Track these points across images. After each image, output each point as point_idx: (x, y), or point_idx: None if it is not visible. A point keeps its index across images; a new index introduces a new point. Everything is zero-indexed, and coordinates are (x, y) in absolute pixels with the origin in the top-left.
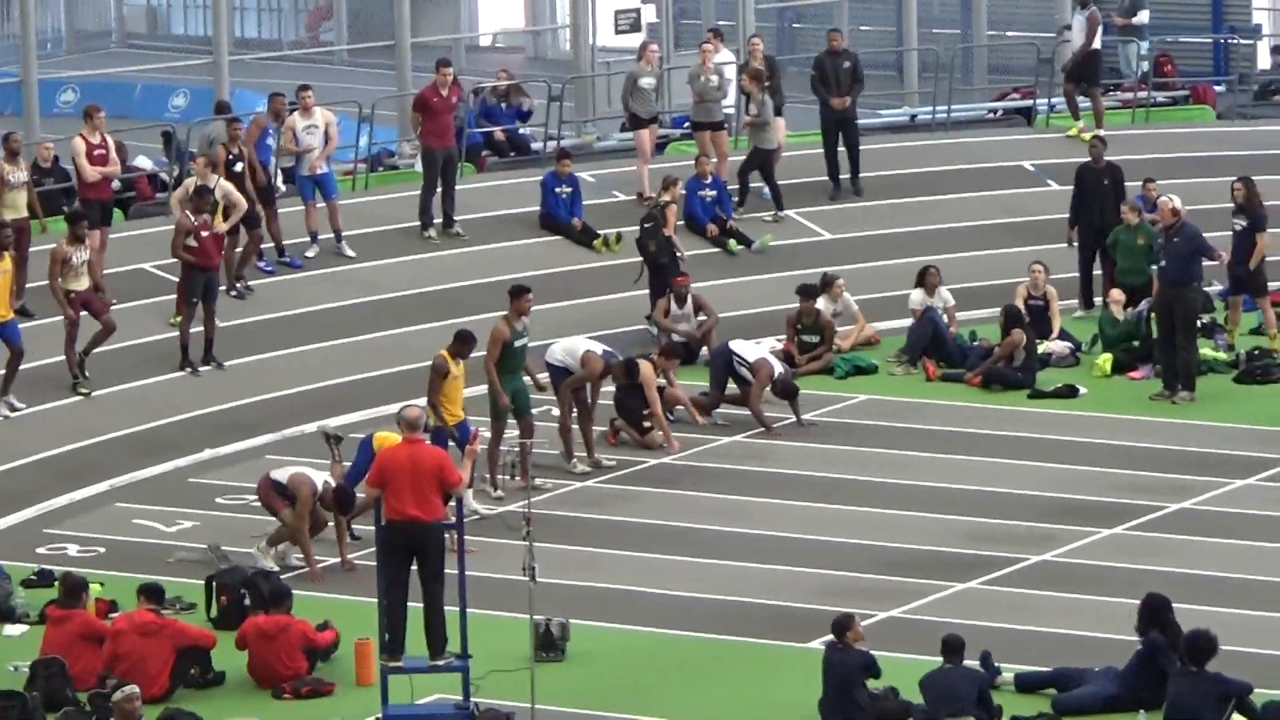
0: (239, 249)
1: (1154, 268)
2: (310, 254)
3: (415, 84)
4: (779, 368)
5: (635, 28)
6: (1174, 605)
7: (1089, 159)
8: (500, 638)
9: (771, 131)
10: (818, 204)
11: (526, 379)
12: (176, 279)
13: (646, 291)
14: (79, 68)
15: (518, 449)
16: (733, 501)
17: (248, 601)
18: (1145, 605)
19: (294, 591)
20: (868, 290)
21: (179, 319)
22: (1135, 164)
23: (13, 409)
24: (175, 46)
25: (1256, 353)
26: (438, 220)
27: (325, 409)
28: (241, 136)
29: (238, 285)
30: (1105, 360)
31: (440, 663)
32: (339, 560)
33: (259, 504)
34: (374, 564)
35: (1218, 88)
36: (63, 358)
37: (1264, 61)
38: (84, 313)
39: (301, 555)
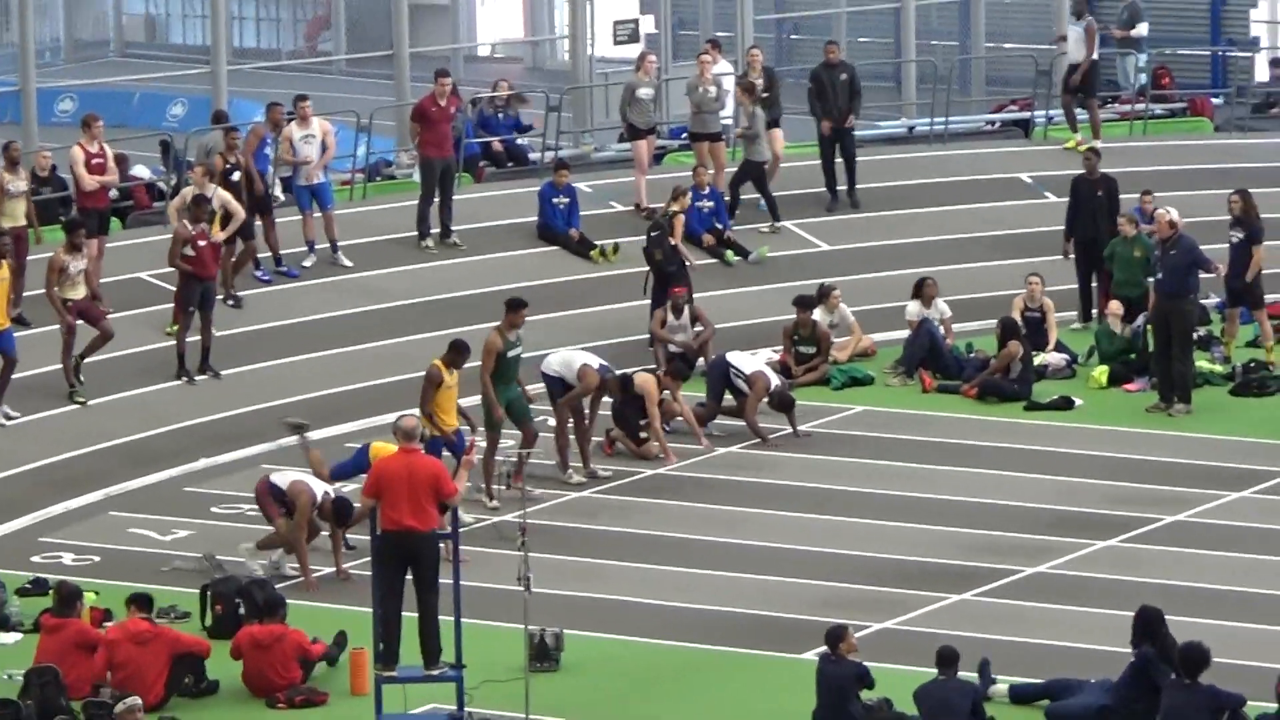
0: (235, 258)
1: (1150, 280)
2: (307, 263)
3: (413, 94)
4: (775, 380)
5: (634, 38)
6: (1168, 617)
7: (1083, 171)
8: (495, 648)
9: (762, 143)
10: (815, 215)
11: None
12: (174, 288)
13: (649, 302)
14: (77, 77)
15: (513, 459)
16: (728, 512)
17: (242, 611)
18: (1139, 617)
19: (289, 601)
20: (864, 301)
21: (175, 328)
22: (1133, 176)
23: (8, 418)
24: (173, 56)
25: (1253, 365)
26: (435, 230)
27: (322, 418)
28: (239, 146)
29: (234, 295)
30: (1101, 372)
31: (434, 672)
32: (334, 570)
33: (255, 511)
34: (369, 574)
35: (1216, 100)
36: (59, 366)
37: (1262, 74)
38: (81, 321)
39: (296, 565)
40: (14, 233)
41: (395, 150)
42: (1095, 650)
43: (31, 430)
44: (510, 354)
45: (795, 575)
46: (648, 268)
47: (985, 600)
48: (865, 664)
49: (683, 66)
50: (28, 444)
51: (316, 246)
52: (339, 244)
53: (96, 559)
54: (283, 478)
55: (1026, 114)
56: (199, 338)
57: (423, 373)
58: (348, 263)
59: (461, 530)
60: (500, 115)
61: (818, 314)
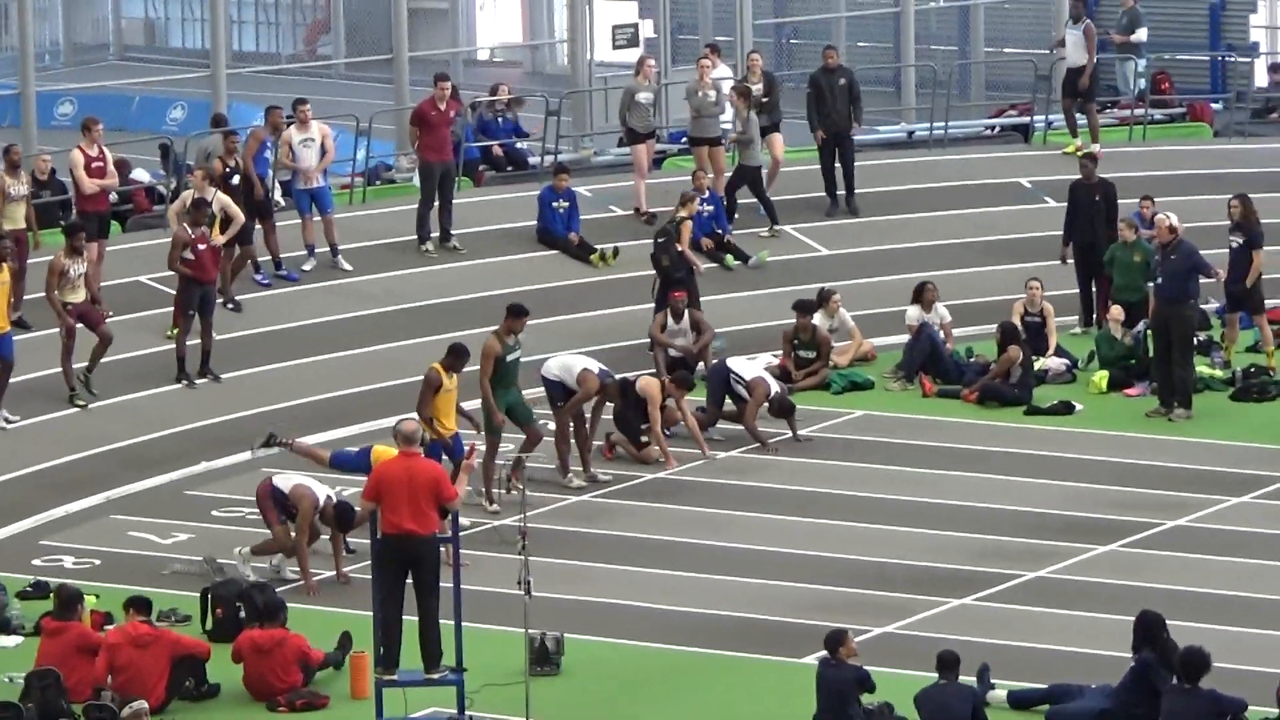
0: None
1: (1150, 285)
2: (307, 267)
3: (413, 98)
4: (775, 386)
5: (633, 43)
6: (1169, 622)
7: (1080, 176)
8: (495, 651)
9: (757, 148)
10: (815, 220)
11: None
12: (173, 292)
13: (655, 307)
14: (77, 80)
15: (512, 462)
16: (728, 516)
17: (243, 614)
18: (1139, 622)
19: (289, 604)
20: (865, 306)
21: (175, 331)
22: (1132, 181)
23: (8, 421)
24: (173, 60)
25: (1253, 370)
26: (435, 234)
27: (322, 422)
28: (238, 149)
29: (232, 299)
30: (1101, 377)
31: (435, 676)
32: (334, 573)
33: (255, 515)
34: (369, 577)
35: (1215, 105)
36: (59, 370)
37: (1261, 79)
38: (80, 325)
39: (296, 568)
40: (14, 235)
41: (395, 154)
42: (1096, 655)
43: (32, 433)
44: (509, 358)
45: (795, 579)
46: (655, 273)
47: (986, 605)
48: (865, 668)
49: (682, 71)
50: (28, 447)
51: (316, 250)
52: (339, 248)
53: (97, 562)
54: (285, 481)
55: (1026, 119)
56: (199, 341)
57: (422, 376)
58: (347, 266)
59: (461, 534)
60: (499, 119)
61: (818, 318)
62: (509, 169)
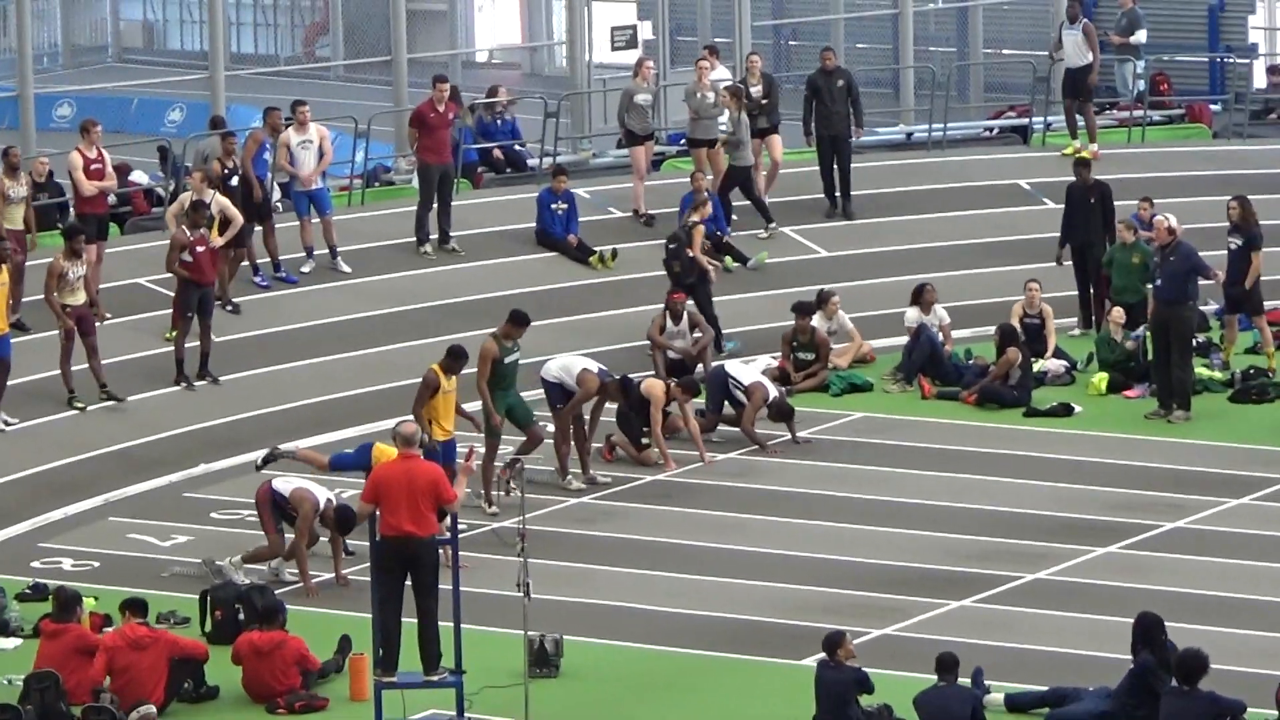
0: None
1: (1149, 286)
2: (306, 269)
3: (411, 100)
4: (773, 391)
5: (631, 44)
6: (1168, 624)
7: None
8: (494, 653)
9: (747, 149)
10: (814, 221)
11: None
12: (172, 294)
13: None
14: (75, 82)
15: (510, 463)
16: (727, 518)
17: (242, 617)
18: (1138, 624)
19: (288, 607)
20: (863, 308)
21: (174, 334)
22: (1131, 183)
23: (6, 424)
24: (172, 62)
25: (1252, 371)
26: (434, 236)
27: (321, 424)
28: (236, 150)
29: (231, 302)
30: (1101, 379)
31: (434, 678)
32: (333, 575)
33: (254, 517)
34: (368, 579)
35: (1214, 107)
36: (57, 372)
37: (1260, 81)
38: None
39: (295, 570)
40: (14, 237)
41: (394, 156)
42: (1095, 657)
43: (30, 436)
44: (507, 360)
45: (794, 581)
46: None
47: (984, 606)
48: (864, 670)
49: (681, 72)
50: (27, 449)
51: (315, 252)
52: (338, 250)
53: (96, 564)
54: (285, 484)
55: (1024, 120)
56: (198, 343)
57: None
58: (346, 268)
59: (461, 536)
60: (498, 121)
61: (816, 320)
62: (508, 171)
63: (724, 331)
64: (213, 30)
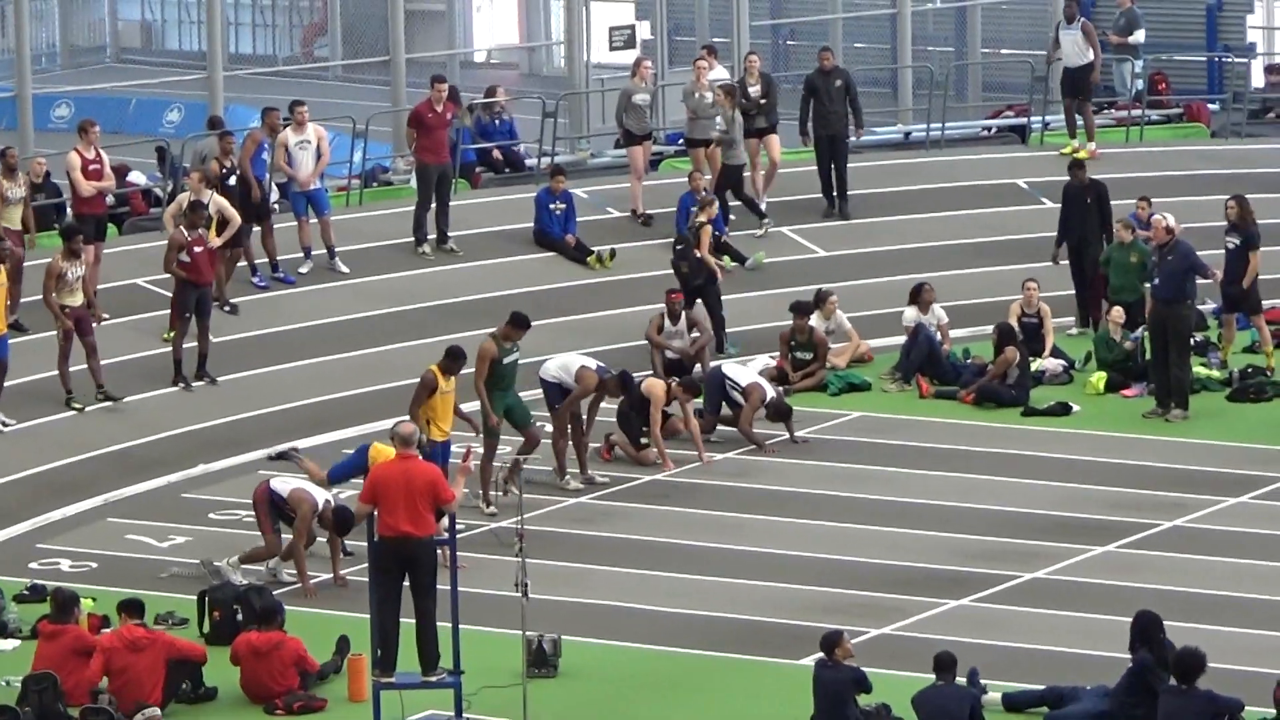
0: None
1: (1147, 286)
2: (304, 269)
3: (410, 100)
4: (770, 391)
5: (630, 44)
6: (1166, 623)
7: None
8: (492, 653)
9: (740, 148)
10: (811, 221)
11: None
12: (170, 294)
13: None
14: (73, 83)
15: (509, 465)
16: (725, 518)
17: (240, 617)
18: (1136, 623)
19: (287, 607)
20: (861, 307)
21: (172, 334)
22: (1129, 182)
23: (4, 425)
24: (170, 62)
25: (1250, 370)
26: (432, 236)
27: (319, 424)
28: (234, 150)
29: (229, 303)
30: (1099, 378)
31: (432, 678)
32: (332, 576)
33: (252, 518)
34: (366, 580)
35: (1212, 106)
36: (55, 373)
37: (1258, 80)
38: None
39: (293, 571)
40: (12, 237)
41: (392, 156)
42: (1093, 656)
43: (28, 436)
44: (506, 360)
45: (792, 581)
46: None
47: (982, 606)
48: (862, 669)
49: (679, 72)
50: (25, 450)
51: (313, 253)
52: (335, 250)
53: (94, 565)
54: (284, 485)
55: (1023, 120)
56: (195, 344)
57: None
58: (344, 269)
59: (459, 536)
60: (496, 121)
61: (814, 320)
62: (506, 171)
63: (724, 331)
64: (211, 30)
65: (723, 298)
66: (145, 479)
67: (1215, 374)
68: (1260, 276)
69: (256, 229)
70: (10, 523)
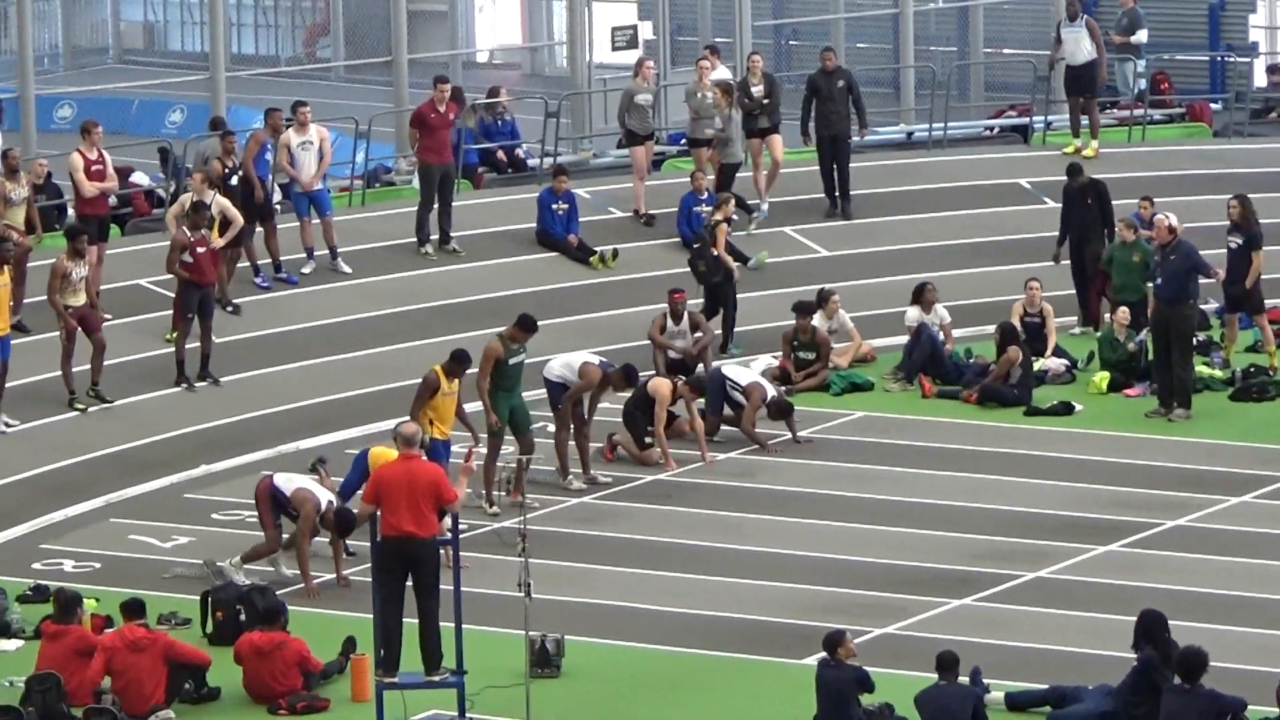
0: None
1: (1150, 285)
2: (306, 270)
3: (412, 100)
4: (771, 390)
5: (632, 44)
6: (1169, 622)
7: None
8: (495, 653)
9: (736, 146)
10: (814, 221)
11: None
12: (173, 295)
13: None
14: (76, 84)
15: (513, 465)
16: (728, 518)
17: (243, 618)
18: (1141, 621)
19: (290, 607)
20: (864, 307)
21: (175, 335)
22: (1132, 182)
23: (8, 425)
24: (172, 63)
25: (1252, 370)
26: (434, 236)
27: (322, 425)
28: (236, 150)
29: (232, 303)
30: (1102, 378)
31: (436, 678)
32: (334, 576)
33: (255, 517)
34: (369, 580)
35: (1214, 106)
36: (58, 373)
37: (1260, 80)
38: (79, 329)
39: (295, 567)
40: (17, 240)
41: (394, 156)
42: (1096, 655)
43: (31, 437)
44: (512, 361)
45: (795, 580)
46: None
47: (985, 605)
48: (865, 668)
49: (681, 72)
50: (28, 451)
51: (315, 253)
52: (338, 250)
53: (97, 566)
54: (288, 483)
55: (1025, 119)
56: (198, 344)
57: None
58: (347, 269)
59: (461, 536)
60: (498, 122)
61: (817, 320)
62: (509, 171)
63: (733, 331)
64: (213, 31)
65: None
66: (148, 479)
67: (1218, 373)
68: (1263, 276)
69: (259, 229)
70: (13, 523)
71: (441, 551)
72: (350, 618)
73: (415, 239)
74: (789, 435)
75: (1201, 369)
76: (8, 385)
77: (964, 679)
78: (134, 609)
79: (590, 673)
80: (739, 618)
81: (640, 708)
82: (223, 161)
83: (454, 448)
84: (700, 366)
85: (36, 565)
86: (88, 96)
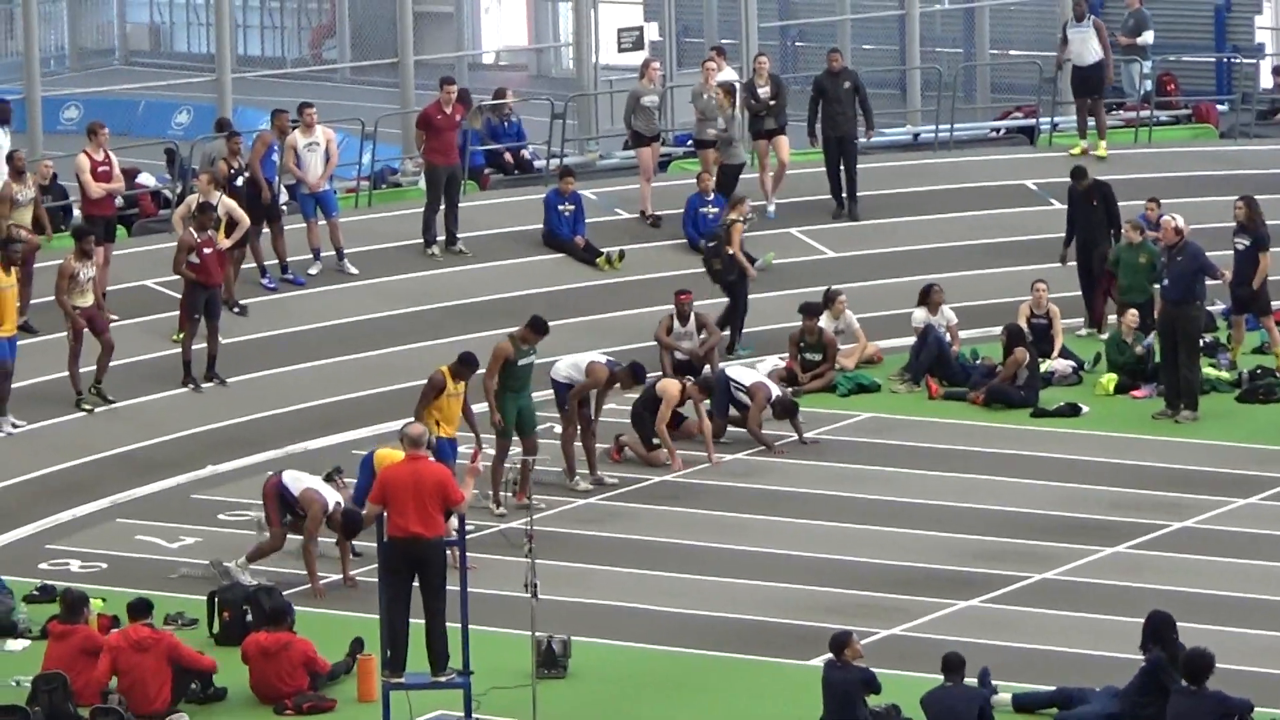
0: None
1: (1156, 287)
2: (313, 271)
3: (418, 101)
4: (775, 389)
5: (638, 46)
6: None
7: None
8: (502, 654)
9: (739, 146)
10: (820, 222)
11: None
12: (179, 295)
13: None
14: (82, 85)
15: (519, 465)
16: (734, 519)
17: (250, 618)
18: (1149, 622)
19: (296, 608)
20: (871, 308)
21: (181, 335)
22: (1138, 183)
23: (15, 426)
24: (178, 64)
25: (1259, 372)
26: (441, 238)
27: (329, 426)
28: (242, 151)
29: (238, 304)
30: (1109, 379)
31: (442, 679)
32: (341, 577)
33: (260, 512)
34: (376, 580)
35: (1220, 107)
36: (65, 374)
37: (1266, 81)
38: (86, 330)
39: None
40: (25, 241)
41: (400, 158)
42: (1102, 657)
43: (38, 438)
44: (521, 362)
45: (802, 581)
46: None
47: (992, 606)
48: (871, 670)
49: (687, 74)
50: (34, 451)
51: (322, 254)
52: (344, 251)
53: (104, 566)
54: (296, 483)
55: (1031, 121)
56: (205, 345)
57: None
58: (353, 270)
59: (468, 537)
60: (505, 123)
61: (824, 320)
62: (515, 172)
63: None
64: (219, 33)
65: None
66: (155, 480)
67: (1224, 375)
68: (1270, 277)
69: (266, 231)
70: (20, 523)
71: (448, 552)
72: (357, 618)
73: (421, 240)
74: (795, 437)
75: (1208, 370)
76: (14, 386)
77: (972, 680)
78: (139, 609)
79: (597, 674)
80: (746, 619)
81: (647, 709)
82: (228, 162)
83: (460, 449)
84: (707, 368)
85: (43, 565)
86: (94, 98)
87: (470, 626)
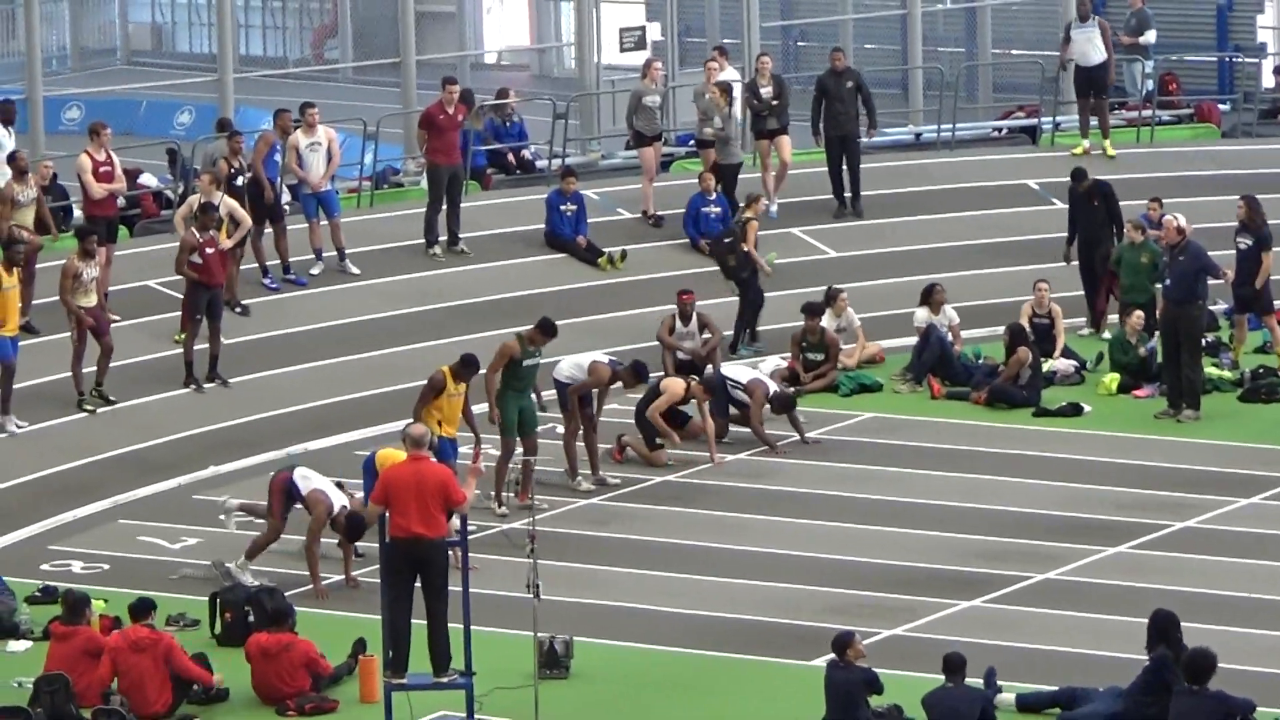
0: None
1: (1158, 286)
2: (315, 271)
3: (420, 101)
4: (772, 386)
5: (640, 46)
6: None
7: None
8: (504, 655)
9: (736, 146)
10: (823, 222)
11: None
12: (181, 296)
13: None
14: (84, 85)
15: (521, 466)
16: (736, 519)
17: (251, 619)
18: (1153, 621)
19: (298, 609)
20: (873, 308)
21: (183, 336)
22: (1140, 182)
23: (17, 426)
24: (180, 64)
25: (1261, 371)
26: (443, 238)
27: (329, 426)
28: (243, 150)
29: (240, 304)
30: (1111, 379)
31: (444, 680)
32: (344, 577)
33: (263, 520)
34: (378, 581)
35: (1223, 106)
36: (68, 375)
37: (1268, 80)
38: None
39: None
40: (27, 238)
41: (403, 158)
42: (1105, 657)
43: (40, 439)
44: (526, 363)
45: (804, 582)
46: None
47: (994, 606)
48: (874, 670)
49: (689, 74)
50: (36, 452)
51: (324, 254)
52: (346, 252)
53: (106, 567)
54: (305, 482)
55: (1033, 120)
56: (207, 346)
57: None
58: (355, 270)
59: (470, 537)
60: (507, 123)
61: (826, 320)
62: (517, 172)
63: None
64: (221, 33)
65: (733, 298)
66: (157, 480)
67: (1227, 375)
68: (1272, 277)
69: (268, 231)
70: (22, 524)
71: (450, 553)
72: (359, 619)
73: (423, 240)
74: (797, 437)
75: (1210, 370)
76: (16, 386)
77: (978, 680)
78: (140, 609)
79: (599, 674)
80: (748, 619)
81: (650, 709)
82: (229, 162)
83: (461, 449)
84: (709, 367)
85: (45, 566)
86: (96, 98)
87: (472, 627)
